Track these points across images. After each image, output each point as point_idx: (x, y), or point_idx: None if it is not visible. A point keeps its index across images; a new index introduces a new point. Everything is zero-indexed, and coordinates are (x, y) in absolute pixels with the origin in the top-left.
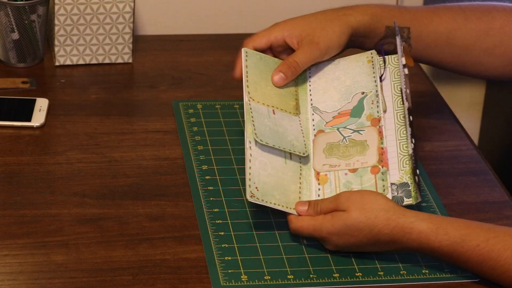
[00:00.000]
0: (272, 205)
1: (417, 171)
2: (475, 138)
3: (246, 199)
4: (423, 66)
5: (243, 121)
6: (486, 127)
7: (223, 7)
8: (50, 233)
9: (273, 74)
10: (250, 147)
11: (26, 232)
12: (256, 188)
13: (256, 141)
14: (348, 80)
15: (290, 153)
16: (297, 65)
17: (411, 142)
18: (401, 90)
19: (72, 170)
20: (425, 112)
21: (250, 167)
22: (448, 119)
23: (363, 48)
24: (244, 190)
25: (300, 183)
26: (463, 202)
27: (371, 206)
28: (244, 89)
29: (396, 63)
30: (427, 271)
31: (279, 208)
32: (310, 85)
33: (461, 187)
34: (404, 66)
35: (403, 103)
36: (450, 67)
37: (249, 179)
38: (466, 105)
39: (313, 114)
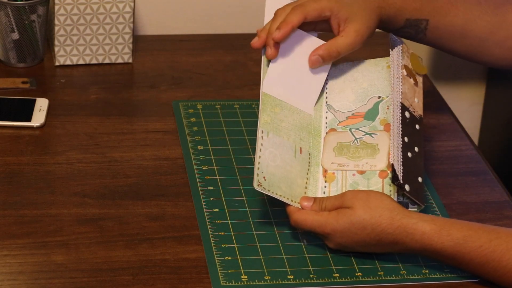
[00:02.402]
0: (277, 196)
1: (420, 178)
2: (475, 138)
3: (253, 187)
4: None
5: (243, 121)
6: (486, 127)
7: (223, 7)
8: (50, 233)
9: (311, 54)
10: (262, 136)
11: (26, 232)
12: (264, 177)
13: (268, 132)
14: (365, 82)
15: (300, 148)
16: (338, 54)
17: (407, 151)
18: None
19: (72, 170)
20: (425, 112)
21: (259, 157)
22: (448, 119)
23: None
24: (245, 189)
25: (307, 178)
26: (463, 202)
27: (376, 205)
28: (262, 78)
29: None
30: (427, 271)
31: (284, 200)
32: (327, 83)
33: (461, 187)
34: (408, 74)
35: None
36: (461, 56)
37: (258, 168)
38: (466, 105)
39: (326, 112)
